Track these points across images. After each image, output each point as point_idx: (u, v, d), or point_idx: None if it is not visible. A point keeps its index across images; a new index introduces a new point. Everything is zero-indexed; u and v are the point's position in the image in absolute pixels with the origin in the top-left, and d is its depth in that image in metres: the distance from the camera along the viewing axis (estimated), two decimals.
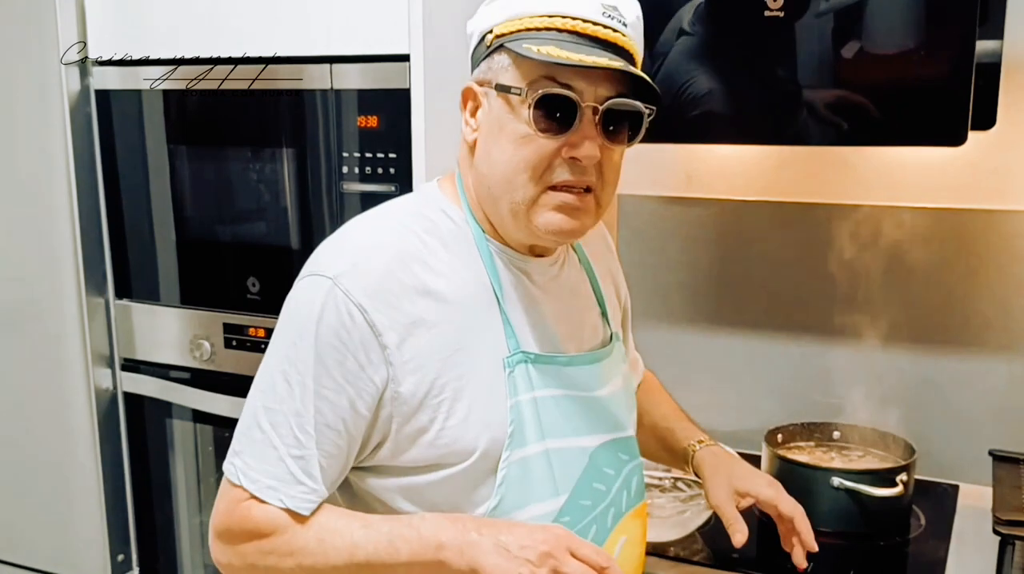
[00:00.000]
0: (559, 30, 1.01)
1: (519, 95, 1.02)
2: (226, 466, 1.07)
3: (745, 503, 1.28)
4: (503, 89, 1.03)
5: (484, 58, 1.06)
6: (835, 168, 1.85)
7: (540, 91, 1.01)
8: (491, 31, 1.05)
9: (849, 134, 1.52)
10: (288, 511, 1.03)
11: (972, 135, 1.44)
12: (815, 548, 1.26)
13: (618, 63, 1.00)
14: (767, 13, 1.49)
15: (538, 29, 1.02)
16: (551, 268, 1.15)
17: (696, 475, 1.34)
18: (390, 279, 1.02)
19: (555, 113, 1.01)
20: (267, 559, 1.04)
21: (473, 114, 1.08)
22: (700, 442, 1.35)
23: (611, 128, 1.04)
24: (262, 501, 1.03)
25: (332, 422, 1.02)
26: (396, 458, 1.05)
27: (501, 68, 1.04)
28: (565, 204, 1.04)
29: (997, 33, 1.51)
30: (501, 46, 1.04)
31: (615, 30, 1.03)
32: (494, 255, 1.10)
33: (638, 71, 1.03)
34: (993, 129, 1.55)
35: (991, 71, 1.52)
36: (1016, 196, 1.75)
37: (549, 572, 0.96)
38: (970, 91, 1.42)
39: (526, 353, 1.08)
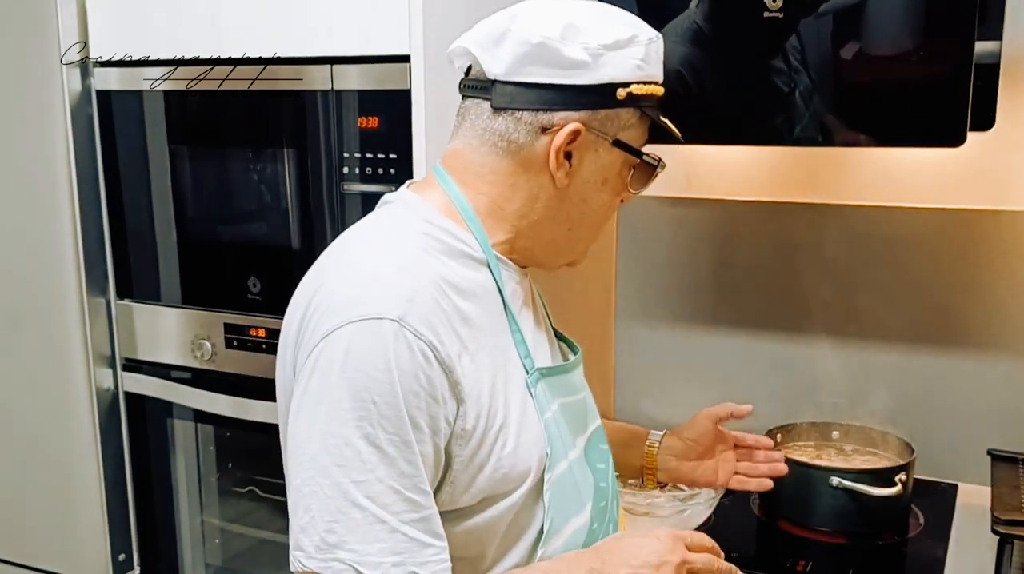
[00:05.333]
0: (657, 96, 1.07)
1: (652, 163, 1.07)
2: (325, 566, 0.90)
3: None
4: (626, 149, 1.05)
5: (604, 106, 1.02)
6: (835, 169, 1.85)
7: (659, 160, 1.08)
8: (627, 85, 1.02)
9: (848, 135, 1.53)
10: None
11: (971, 135, 1.45)
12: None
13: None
14: (766, 14, 1.49)
15: (655, 96, 1.06)
16: (526, 277, 1.14)
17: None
18: (439, 309, 0.95)
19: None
20: None
21: (565, 152, 1.03)
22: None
23: None
24: None
25: (432, 472, 0.94)
26: (453, 502, 0.98)
27: (624, 125, 1.04)
28: None
29: (996, 33, 1.51)
30: (636, 106, 1.04)
31: None
32: (501, 270, 1.06)
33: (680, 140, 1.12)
34: (992, 129, 1.55)
35: (990, 71, 1.52)
36: (1016, 196, 1.75)
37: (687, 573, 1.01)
38: (969, 92, 1.42)
39: (541, 369, 1.06)
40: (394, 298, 0.93)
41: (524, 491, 1.01)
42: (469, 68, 1.07)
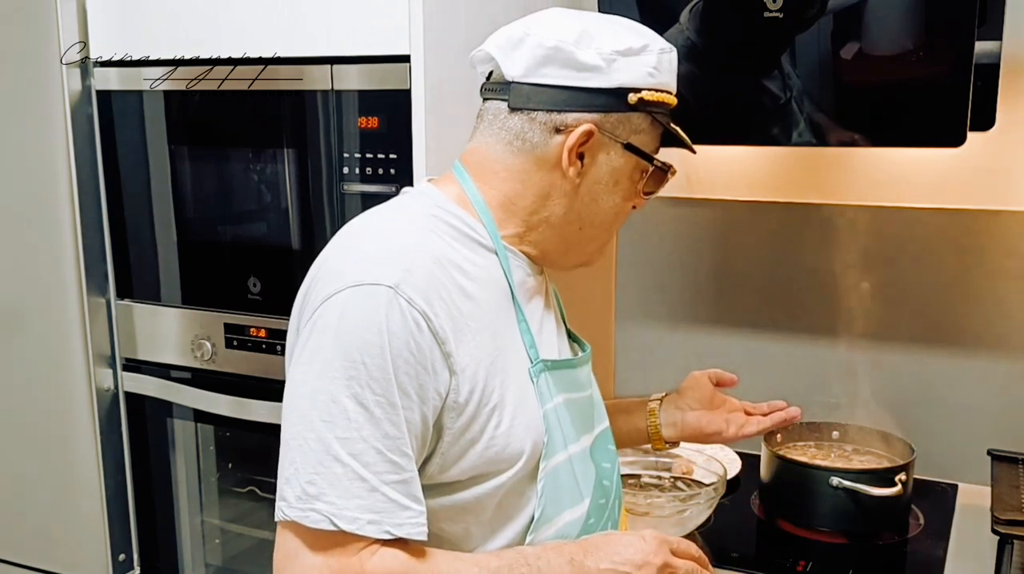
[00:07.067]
0: (669, 105, 1.11)
1: (661, 168, 1.11)
2: (303, 515, 0.94)
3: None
4: (638, 153, 1.09)
5: (616, 110, 1.07)
6: (835, 169, 1.86)
7: (670, 166, 1.13)
8: (638, 91, 1.06)
9: (849, 135, 1.53)
10: (398, 546, 0.96)
11: (971, 136, 1.45)
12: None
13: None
14: (767, 14, 1.49)
15: (669, 104, 1.10)
16: (541, 274, 1.17)
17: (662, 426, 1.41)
18: (438, 283, 0.99)
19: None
20: None
21: (577, 153, 1.07)
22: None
23: None
24: (368, 543, 0.95)
25: (419, 441, 0.98)
26: (442, 474, 1.01)
27: (635, 130, 1.08)
28: None
29: (996, 34, 1.51)
30: (647, 112, 1.08)
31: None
32: (509, 260, 1.10)
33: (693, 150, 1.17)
34: (992, 130, 1.55)
35: (990, 72, 1.52)
36: (1016, 196, 1.75)
37: None
38: (969, 92, 1.42)
39: (545, 361, 1.09)
40: (392, 268, 0.97)
41: (515, 474, 1.04)
42: (491, 74, 1.11)
